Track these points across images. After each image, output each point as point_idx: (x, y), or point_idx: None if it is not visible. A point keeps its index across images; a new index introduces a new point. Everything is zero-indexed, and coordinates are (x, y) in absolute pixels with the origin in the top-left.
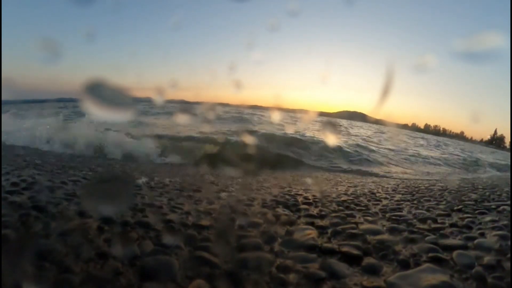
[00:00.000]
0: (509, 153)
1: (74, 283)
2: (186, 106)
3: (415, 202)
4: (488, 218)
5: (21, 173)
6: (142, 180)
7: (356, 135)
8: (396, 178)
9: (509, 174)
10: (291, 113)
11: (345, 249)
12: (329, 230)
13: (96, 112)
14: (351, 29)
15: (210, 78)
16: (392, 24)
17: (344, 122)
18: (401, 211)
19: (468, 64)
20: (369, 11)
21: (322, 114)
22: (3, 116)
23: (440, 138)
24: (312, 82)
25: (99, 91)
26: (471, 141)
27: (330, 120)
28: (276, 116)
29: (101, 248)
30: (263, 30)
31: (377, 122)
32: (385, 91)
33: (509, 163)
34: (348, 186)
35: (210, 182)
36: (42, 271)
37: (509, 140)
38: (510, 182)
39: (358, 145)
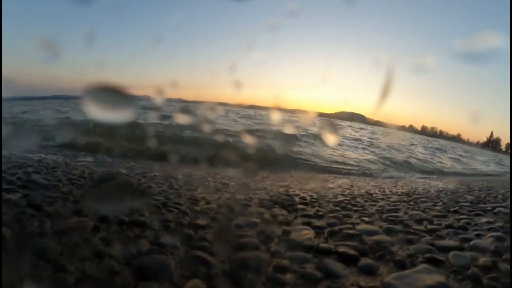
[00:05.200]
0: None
1: (69, 282)
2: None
3: (411, 203)
4: (484, 220)
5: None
6: None
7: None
8: None
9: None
10: (291, 114)
11: (341, 249)
12: (326, 231)
13: (97, 113)
14: (351, 29)
15: (209, 78)
16: (391, 24)
17: (357, 125)
18: (398, 212)
19: (465, 65)
20: (369, 12)
21: (321, 114)
22: None
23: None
24: (310, 82)
25: (99, 93)
26: (468, 143)
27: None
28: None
29: (97, 247)
30: (262, 30)
31: (376, 123)
32: (385, 93)
33: None
34: (345, 187)
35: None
36: (37, 270)
37: (505, 143)
38: (510, 183)
39: None
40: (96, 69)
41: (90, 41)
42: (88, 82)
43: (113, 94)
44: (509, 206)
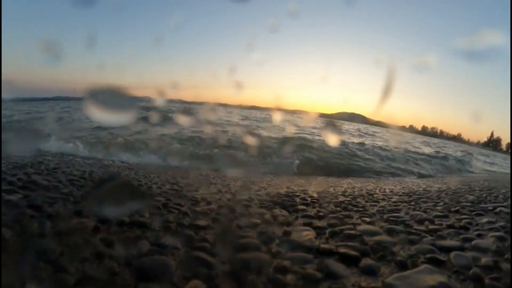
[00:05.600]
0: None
1: (70, 283)
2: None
3: (412, 203)
4: (485, 220)
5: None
6: None
7: None
8: None
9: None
10: (292, 114)
11: (342, 250)
12: (327, 231)
13: (99, 115)
14: (351, 29)
15: (210, 78)
16: (391, 24)
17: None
18: (399, 212)
19: (465, 65)
20: (369, 12)
21: (322, 115)
22: None
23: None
24: (310, 82)
25: (101, 95)
26: (468, 143)
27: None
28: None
29: (97, 248)
30: (263, 30)
31: (377, 124)
32: (386, 93)
33: None
34: (346, 187)
35: None
36: (37, 271)
37: (506, 143)
38: (510, 183)
39: None
40: (97, 70)
41: (91, 42)
42: (89, 84)
43: (115, 96)
44: (510, 205)
